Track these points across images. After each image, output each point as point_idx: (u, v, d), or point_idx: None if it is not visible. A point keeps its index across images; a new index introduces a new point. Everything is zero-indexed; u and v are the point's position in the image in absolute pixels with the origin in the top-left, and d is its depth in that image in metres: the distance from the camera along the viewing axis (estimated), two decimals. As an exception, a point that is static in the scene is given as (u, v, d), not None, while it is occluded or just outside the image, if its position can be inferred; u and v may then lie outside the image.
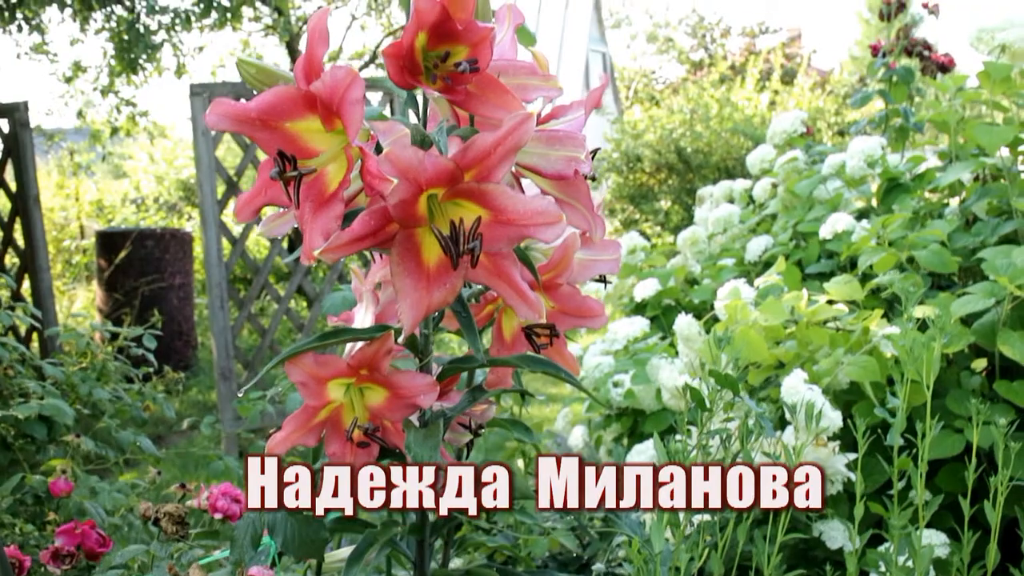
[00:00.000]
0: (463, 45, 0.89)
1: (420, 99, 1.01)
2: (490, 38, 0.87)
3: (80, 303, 8.59)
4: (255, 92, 0.97)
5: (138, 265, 6.71)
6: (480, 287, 1.12)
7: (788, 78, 12.72)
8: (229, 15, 5.62)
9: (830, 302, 2.27)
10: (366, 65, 8.71)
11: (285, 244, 5.57)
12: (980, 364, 2.35)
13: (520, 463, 2.12)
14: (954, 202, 3.11)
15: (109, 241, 6.89)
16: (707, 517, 1.51)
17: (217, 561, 1.14)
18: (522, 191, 1.05)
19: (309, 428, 1.03)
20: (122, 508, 1.73)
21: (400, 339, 0.92)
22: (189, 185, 11.83)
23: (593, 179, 1.05)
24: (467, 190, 0.87)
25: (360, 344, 1.12)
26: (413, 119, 1.03)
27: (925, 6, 3.51)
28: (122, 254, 6.57)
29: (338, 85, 0.82)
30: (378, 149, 0.93)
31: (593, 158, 1.04)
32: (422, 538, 1.07)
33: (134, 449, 2.15)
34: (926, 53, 3.60)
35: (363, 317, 1.21)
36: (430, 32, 0.88)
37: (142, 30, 5.48)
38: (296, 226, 1.04)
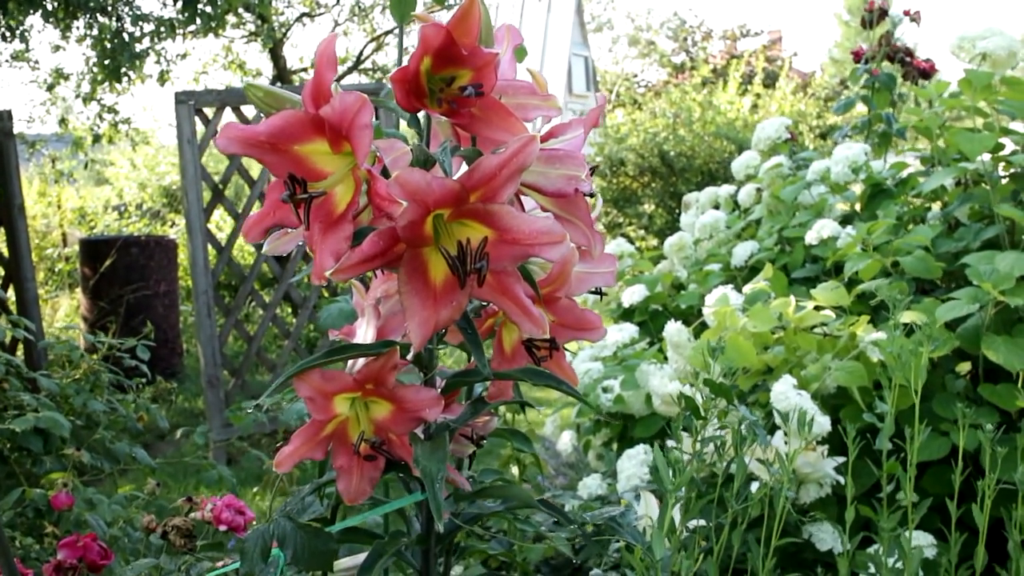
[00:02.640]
0: (467, 69, 0.92)
1: (422, 118, 1.03)
2: (494, 63, 0.89)
3: (63, 311, 8.55)
4: (255, 104, 0.99)
5: (123, 273, 6.69)
6: (482, 302, 1.15)
7: (770, 81, 12.80)
8: (214, 23, 5.63)
9: (817, 308, 2.30)
10: (349, 71, 8.73)
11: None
12: (964, 367, 2.39)
13: (515, 470, 2.14)
14: (936, 207, 3.15)
15: (93, 249, 6.87)
16: (702, 522, 1.54)
17: (226, 574, 1.16)
18: (522, 208, 1.08)
19: (316, 442, 1.05)
20: (120, 520, 1.74)
21: (409, 356, 0.94)
22: (171, 191, 11.79)
23: (591, 196, 1.08)
24: (473, 211, 0.90)
25: (363, 359, 1.14)
26: (415, 138, 1.05)
27: (907, 13, 3.56)
28: (108, 262, 6.56)
29: (347, 110, 0.84)
30: (384, 171, 0.95)
31: (592, 174, 1.06)
32: (427, 547, 1.09)
33: (127, 460, 2.16)
34: (908, 59, 3.65)
35: (365, 331, 1.23)
36: (435, 57, 0.91)
37: (127, 38, 5.47)
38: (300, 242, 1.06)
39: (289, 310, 7.56)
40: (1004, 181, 2.82)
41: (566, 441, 3.39)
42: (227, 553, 1.34)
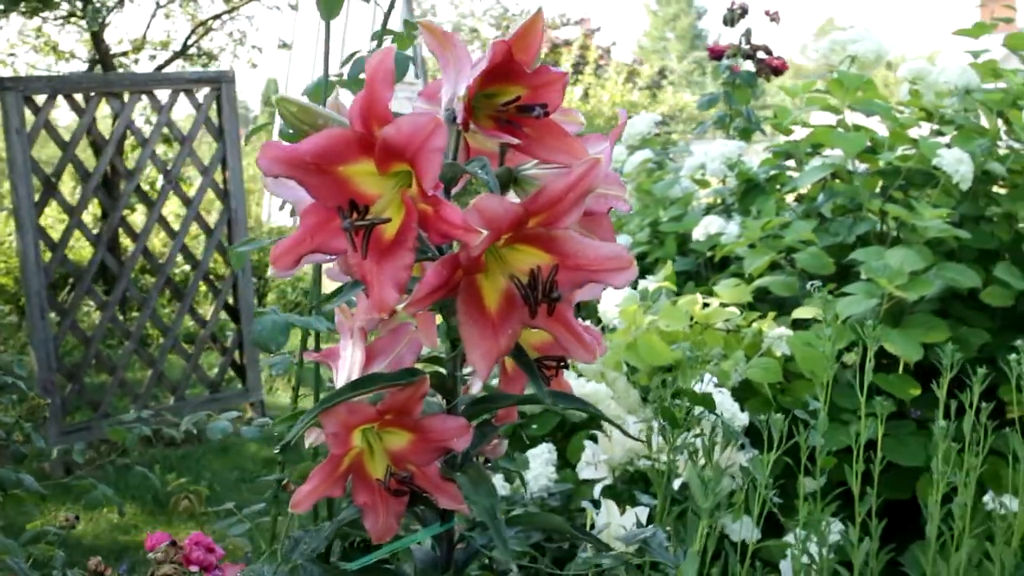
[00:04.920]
0: (520, 87, 0.87)
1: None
2: (564, 82, 0.85)
3: None
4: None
5: (-68, 272, 6.17)
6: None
7: (596, 70, 13.04)
8: (40, 2, 5.21)
9: (722, 305, 2.36)
10: (175, 57, 8.32)
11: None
12: (849, 359, 2.51)
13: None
14: (789, 198, 3.29)
15: None
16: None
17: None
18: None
19: (335, 479, 0.98)
20: (31, 558, 1.58)
21: (475, 390, 0.89)
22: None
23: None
24: (535, 236, 0.85)
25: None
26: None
27: (767, 13, 3.70)
28: (-85, 260, 6.03)
29: (418, 132, 0.78)
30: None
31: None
32: (448, 583, 1.04)
33: (13, 486, 1.98)
34: (764, 57, 3.78)
35: (352, 355, 1.17)
36: (487, 73, 0.86)
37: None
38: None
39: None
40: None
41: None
42: (203, 596, 1.24)
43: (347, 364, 1.17)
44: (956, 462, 1.69)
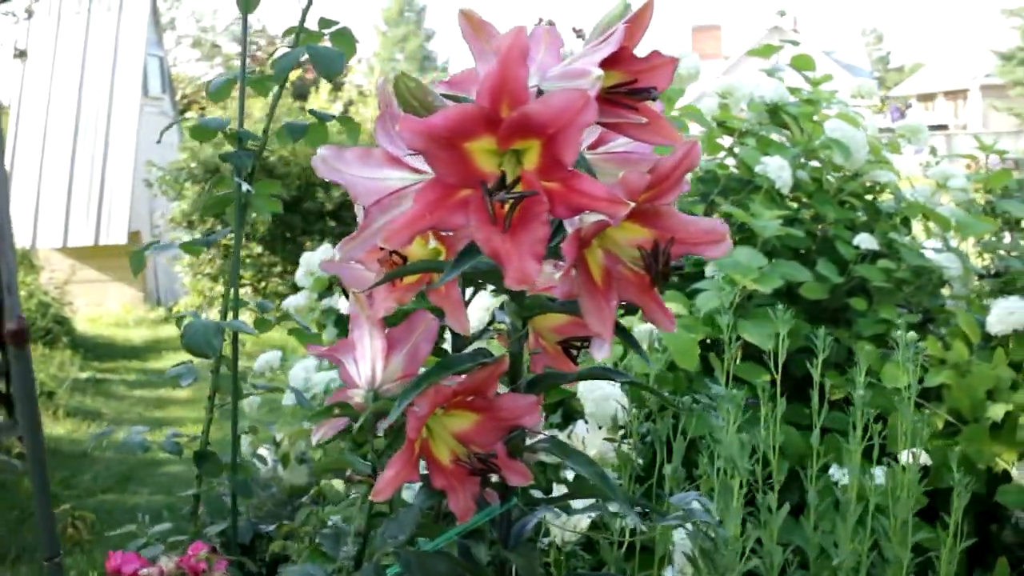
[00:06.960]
0: (622, 71, 0.91)
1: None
2: (672, 66, 0.90)
3: None
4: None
5: None
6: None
7: (338, 88, 13.01)
8: None
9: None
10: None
11: None
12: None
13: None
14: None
15: None
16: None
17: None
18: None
19: (412, 464, 0.98)
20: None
21: (601, 356, 0.91)
22: None
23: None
24: (641, 212, 0.90)
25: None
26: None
27: (574, 30, 3.87)
28: None
29: (569, 108, 0.80)
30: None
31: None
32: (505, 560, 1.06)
33: None
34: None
35: (371, 344, 1.16)
36: (605, 60, 0.89)
37: None
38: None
39: None
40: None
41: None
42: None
43: (368, 354, 1.16)
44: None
